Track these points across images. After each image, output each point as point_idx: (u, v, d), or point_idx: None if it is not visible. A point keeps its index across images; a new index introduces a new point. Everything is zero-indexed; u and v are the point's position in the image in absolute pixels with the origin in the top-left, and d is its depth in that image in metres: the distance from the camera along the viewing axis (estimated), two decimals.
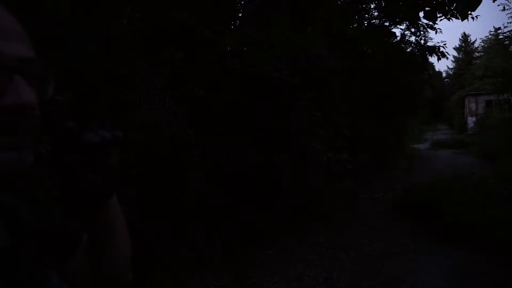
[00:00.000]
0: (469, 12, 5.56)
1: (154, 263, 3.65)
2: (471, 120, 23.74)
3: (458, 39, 44.60)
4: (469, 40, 43.96)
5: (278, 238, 5.05)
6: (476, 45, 42.76)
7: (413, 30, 9.20)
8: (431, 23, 8.44)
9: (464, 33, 44.57)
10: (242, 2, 6.75)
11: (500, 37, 26.30)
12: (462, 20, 5.70)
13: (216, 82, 4.16)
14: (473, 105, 24.36)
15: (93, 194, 0.59)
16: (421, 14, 7.94)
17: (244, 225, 4.60)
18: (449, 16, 7.52)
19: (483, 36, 50.12)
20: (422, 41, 9.39)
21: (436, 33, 11.68)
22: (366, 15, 9.12)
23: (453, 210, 5.32)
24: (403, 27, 9.47)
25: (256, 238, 4.78)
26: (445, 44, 8.95)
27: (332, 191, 5.35)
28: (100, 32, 3.56)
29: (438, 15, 7.58)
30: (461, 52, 44.30)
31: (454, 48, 44.85)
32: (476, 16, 7.45)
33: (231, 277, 4.11)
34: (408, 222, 5.98)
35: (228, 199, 4.43)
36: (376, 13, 9.19)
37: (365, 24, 9.05)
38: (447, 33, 9.82)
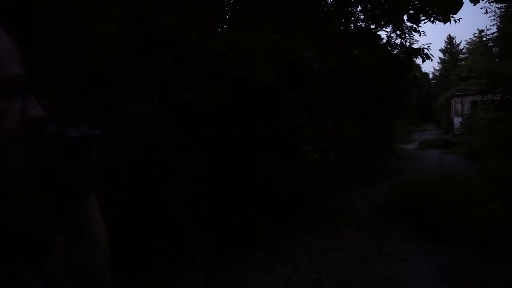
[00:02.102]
0: (451, 15, 5.70)
1: (144, 264, 3.64)
2: (457, 121, 24.15)
3: (444, 41, 45.43)
4: (454, 42, 44.85)
5: (268, 239, 5.07)
6: (461, 47, 43.72)
7: (398, 32, 9.38)
8: (415, 26, 8.62)
9: (450, 35, 45.57)
10: (230, 6, 6.80)
11: (484, 39, 26.94)
12: (445, 23, 5.84)
13: (204, 85, 4.18)
14: (459, 106, 24.78)
15: (72, 189, 0.61)
16: (405, 17, 8.11)
17: (234, 226, 4.62)
18: (432, 19, 7.70)
19: (467, 38, 51.19)
20: (407, 44, 9.58)
21: (420, 35, 11.92)
22: (352, 18, 9.25)
23: (438, 209, 5.42)
24: (389, 29, 9.65)
25: (246, 239, 4.80)
26: (429, 46, 9.15)
27: (321, 192, 5.40)
28: (88, 36, 3.55)
29: (422, 18, 7.75)
30: (447, 54, 45.13)
31: (440, 50, 45.71)
32: (459, 19, 7.65)
33: (221, 278, 4.12)
34: (396, 222, 6.06)
35: (218, 201, 4.44)
36: (362, 16, 9.34)
37: (351, 27, 9.19)
38: (433, 36, 10.04)
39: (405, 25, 8.84)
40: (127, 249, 3.39)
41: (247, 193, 4.67)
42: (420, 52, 8.86)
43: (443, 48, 45.43)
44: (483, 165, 8.69)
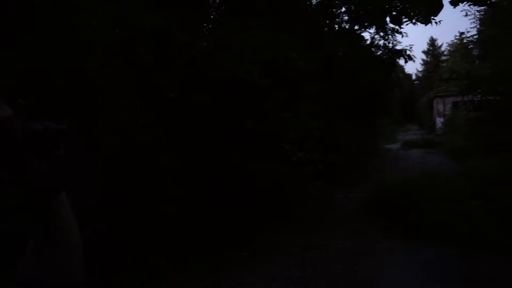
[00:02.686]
0: (432, 18, 5.82)
1: (128, 266, 3.59)
2: (439, 121, 24.63)
3: (426, 43, 46.34)
4: (436, 44, 45.77)
5: (253, 239, 5.07)
6: (442, 48, 44.61)
7: (381, 34, 9.53)
8: (397, 27, 8.78)
9: (432, 37, 46.36)
10: (215, 6, 6.77)
11: (464, 41, 27.63)
12: (426, 25, 5.97)
13: (188, 85, 4.15)
14: (440, 106, 25.29)
15: (41, 186, 0.59)
16: (388, 19, 8.25)
17: (219, 226, 4.60)
18: (414, 21, 7.87)
19: (449, 40, 52.36)
20: (390, 45, 9.74)
21: (402, 37, 12.15)
22: (337, 19, 9.35)
23: (421, 207, 5.51)
24: (372, 31, 9.79)
25: (231, 239, 4.78)
26: (411, 48, 9.33)
27: (305, 192, 5.43)
28: (70, 35, 3.48)
29: (404, 20, 7.91)
30: (429, 56, 46.01)
31: (422, 52, 46.56)
32: (439, 21, 7.83)
33: (207, 279, 4.09)
34: (380, 220, 6.13)
35: (202, 201, 4.42)
36: (346, 17, 9.45)
37: (336, 28, 9.28)
38: (416, 37, 10.23)
39: (388, 27, 9.00)
40: (111, 250, 3.34)
41: (231, 193, 4.66)
42: (402, 53, 9.03)
43: (426, 49, 46.38)
44: (464, 164, 8.89)
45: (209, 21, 6.45)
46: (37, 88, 2.92)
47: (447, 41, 64.00)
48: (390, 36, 9.35)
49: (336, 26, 9.22)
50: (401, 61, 9.60)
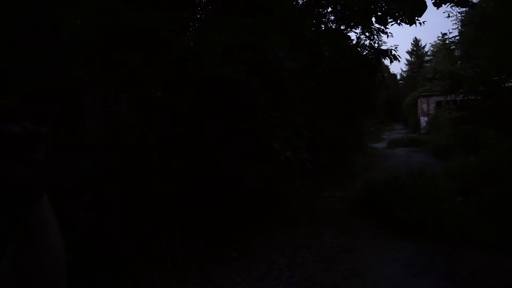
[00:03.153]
0: (417, 18, 5.92)
1: (113, 267, 3.53)
2: (423, 120, 25.08)
3: (410, 44, 47.14)
4: (420, 45, 46.62)
5: (241, 239, 5.06)
6: (426, 49, 45.47)
7: (367, 34, 9.64)
8: (382, 27, 8.90)
9: (416, 37, 47.20)
10: (202, 4, 6.73)
11: (447, 42, 28.22)
12: (410, 25, 6.06)
13: (175, 84, 4.11)
14: (424, 106, 25.75)
15: (22, 189, 0.57)
16: (374, 19, 8.35)
17: (207, 226, 4.57)
18: (398, 21, 8.00)
19: (432, 41, 53.38)
20: (376, 45, 9.86)
21: (388, 37, 12.37)
22: (323, 19, 9.42)
23: (406, 205, 5.60)
24: (358, 31, 9.89)
25: (219, 239, 4.76)
26: (396, 48, 9.47)
27: (293, 191, 5.45)
28: (52, 32, 3.41)
29: (389, 20, 8.02)
30: (413, 56, 46.84)
31: (407, 52, 47.36)
32: (423, 22, 7.98)
33: (194, 279, 4.07)
34: (367, 218, 6.22)
35: (190, 201, 4.38)
36: (332, 17, 9.52)
37: (322, 28, 9.35)
38: (401, 38, 10.39)
39: (373, 27, 9.11)
40: (95, 252, 3.28)
41: (219, 193, 4.63)
42: (388, 53, 9.16)
43: (410, 50, 47.19)
44: (448, 162, 9.08)
45: (196, 20, 6.40)
46: (18, 87, 2.84)
47: (430, 42, 65.37)
48: (375, 36, 9.48)
49: (323, 26, 9.29)
50: (387, 61, 9.75)
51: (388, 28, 9.44)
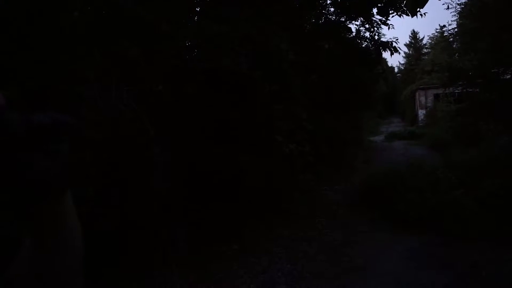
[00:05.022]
0: (418, 9, 5.86)
1: (115, 262, 3.53)
2: (421, 113, 25.10)
3: (408, 36, 46.96)
4: (418, 37, 46.44)
5: (242, 233, 5.06)
6: (424, 41, 45.32)
7: (367, 26, 9.56)
8: (384, 19, 8.83)
9: (413, 30, 47.04)
10: None
11: (445, 34, 28.11)
12: (412, 17, 6.02)
13: (175, 77, 4.06)
14: (422, 99, 25.74)
15: (44, 184, 0.53)
16: (375, 10, 8.30)
17: (208, 220, 4.56)
18: (400, 12, 7.94)
19: (430, 33, 53.25)
20: (376, 37, 9.79)
21: (388, 28, 12.24)
22: (323, 11, 9.32)
23: (406, 198, 5.62)
24: (358, 23, 9.81)
25: (220, 233, 4.76)
26: (397, 40, 9.40)
27: (296, 184, 5.45)
28: (51, 25, 3.35)
29: (390, 12, 7.97)
30: (411, 48, 46.69)
31: (404, 45, 47.17)
32: (425, 13, 7.92)
33: (196, 274, 4.07)
34: (367, 212, 6.23)
35: (191, 195, 4.36)
36: (332, 9, 9.43)
37: (322, 20, 9.26)
38: (397, 31, 10.30)
39: (374, 18, 9.03)
40: (97, 247, 3.26)
41: (221, 186, 4.62)
42: (389, 45, 9.09)
43: (408, 42, 47.01)
44: (446, 155, 9.10)
45: (195, 13, 6.32)
46: (18, 81, 2.79)
47: (428, 34, 65.21)
48: (376, 28, 9.40)
49: (323, 17, 9.19)
50: (386, 54, 9.70)
51: (389, 20, 9.37)
